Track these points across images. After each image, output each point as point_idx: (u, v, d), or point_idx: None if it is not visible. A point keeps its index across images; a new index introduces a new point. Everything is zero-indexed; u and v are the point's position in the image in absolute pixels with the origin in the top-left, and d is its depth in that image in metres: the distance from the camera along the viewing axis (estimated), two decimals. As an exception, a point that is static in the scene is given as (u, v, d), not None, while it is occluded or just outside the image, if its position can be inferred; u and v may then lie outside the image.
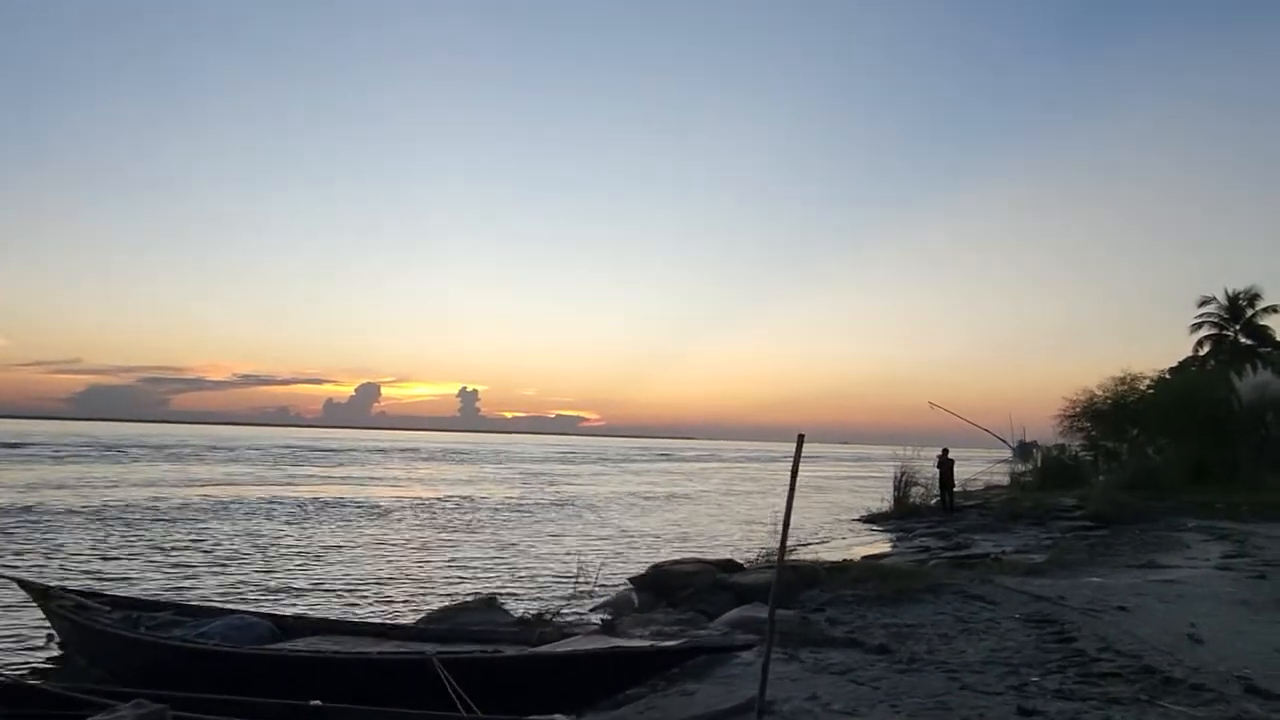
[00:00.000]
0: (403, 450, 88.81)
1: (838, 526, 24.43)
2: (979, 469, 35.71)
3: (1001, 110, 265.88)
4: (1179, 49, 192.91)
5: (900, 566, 12.71)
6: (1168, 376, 36.06)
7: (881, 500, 26.51)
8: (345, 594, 12.28)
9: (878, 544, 20.02)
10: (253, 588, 12.71)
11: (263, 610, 8.88)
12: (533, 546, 18.97)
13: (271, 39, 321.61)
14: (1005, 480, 33.62)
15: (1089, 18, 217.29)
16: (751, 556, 13.31)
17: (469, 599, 9.70)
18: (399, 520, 23.91)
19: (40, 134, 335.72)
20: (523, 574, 14.93)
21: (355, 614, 10.42)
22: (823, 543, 20.37)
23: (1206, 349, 46.79)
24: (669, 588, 11.11)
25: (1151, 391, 32.01)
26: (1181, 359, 45.65)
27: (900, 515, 24.39)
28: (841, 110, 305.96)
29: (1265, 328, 45.48)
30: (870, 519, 25.63)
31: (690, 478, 53.64)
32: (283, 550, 17.16)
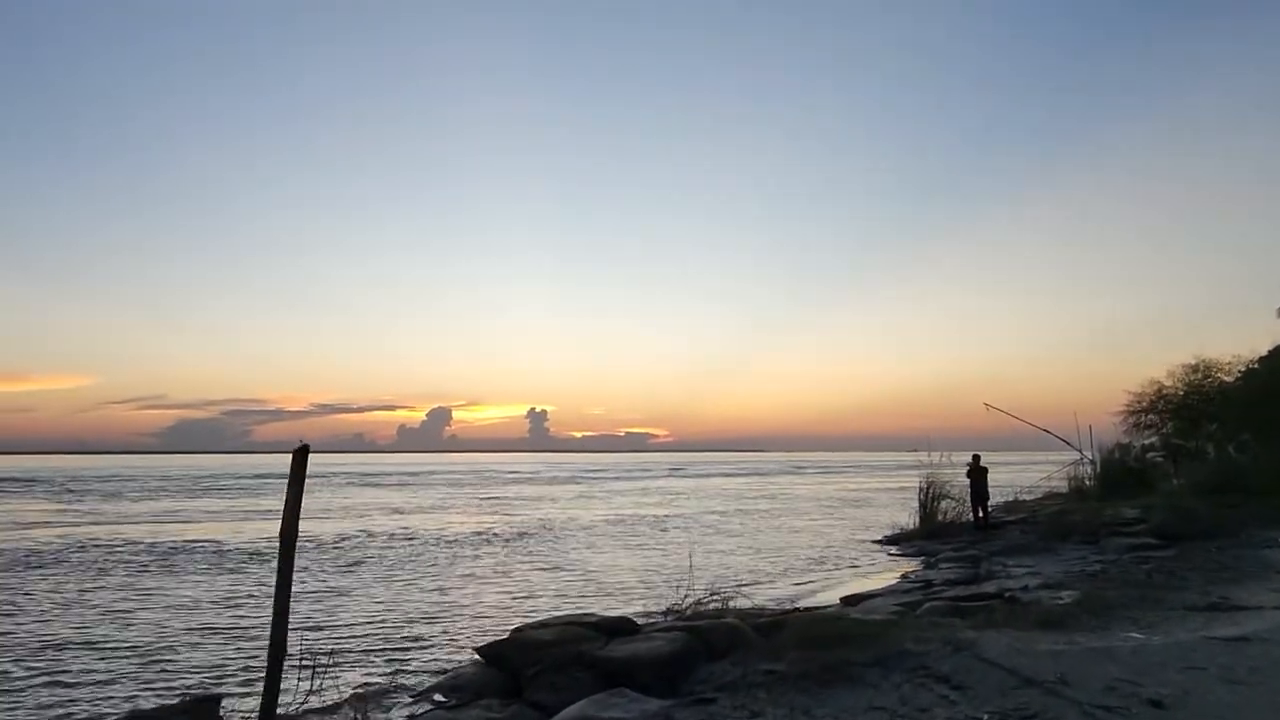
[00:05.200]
0: (418, 473, 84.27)
1: (846, 551, 20.87)
2: (1041, 475, 31.62)
3: (1060, 107, 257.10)
4: (1246, 33, 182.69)
5: (865, 619, 9.39)
6: (1255, 366, 31.26)
7: (910, 517, 22.88)
8: (49, 686, 9.18)
9: (880, 575, 16.49)
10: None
11: None
12: (411, 594, 15.10)
13: (337, 71, 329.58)
14: (1066, 487, 29.35)
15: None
16: (676, 605, 10.02)
17: (183, 698, 6.77)
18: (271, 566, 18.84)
19: (126, 184, 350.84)
20: (353, 640, 11.25)
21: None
22: (804, 577, 16.86)
23: (1300, 332, 41.45)
24: (516, 662, 8.01)
25: (1234, 380, 27.54)
26: (1276, 345, 40.41)
27: (926, 535, 20.80)
28: (893, 122, 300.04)
29: (1368, 304, 39.99)
30: (893, 539, 22.06)
31: (709, 495, 48.58)
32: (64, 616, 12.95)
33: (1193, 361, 28.13)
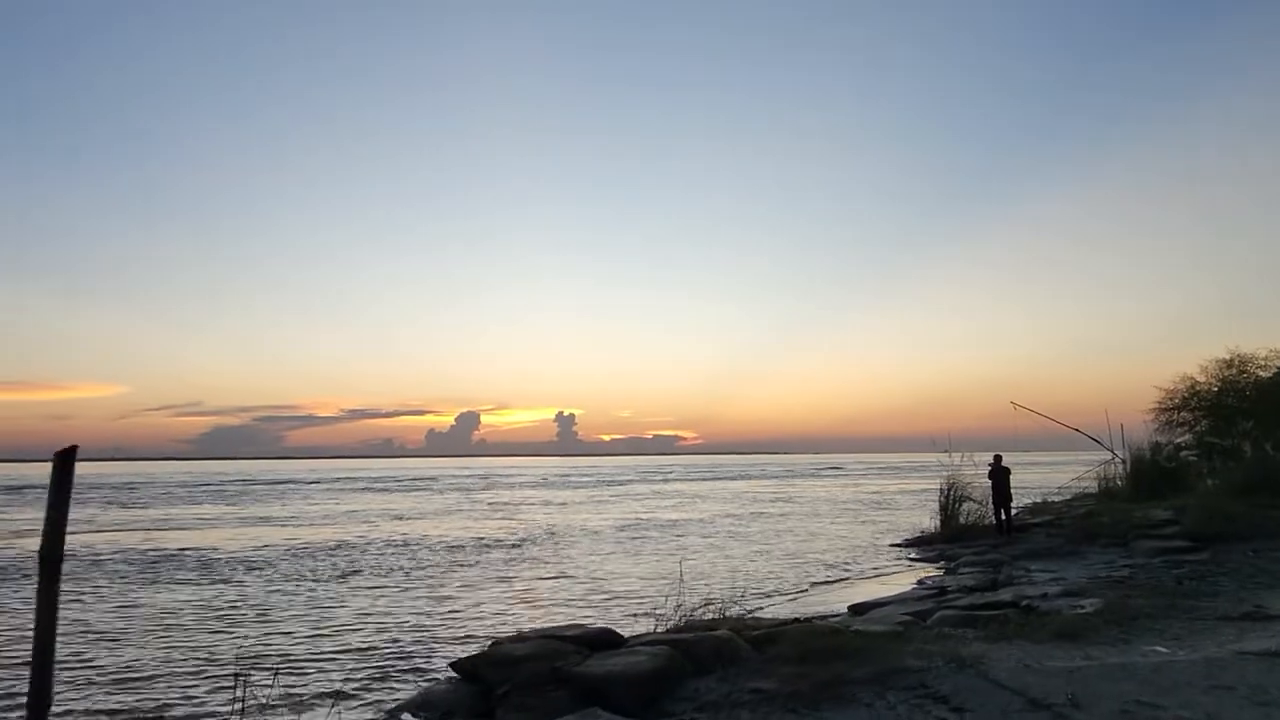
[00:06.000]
0: (435, 477, 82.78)
1: (864, 555, 20.18)
2: (1070, 475, 30.71)
3: (1086, 107, 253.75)
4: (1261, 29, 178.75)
5: (867, 631, 8.83)
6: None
7: (931, 519, 22.18)
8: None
9: (895, 580, 15.84)
10: None
11: None
12: (401, 604, 14.36)
13: (362, 78, 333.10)
14: (1095, 488, 28.37)
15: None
16: (666, 616, 9.48)
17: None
18: (233, 575, 17.80)
19: (158, 195, 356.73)
20: (330, 653, 10.67)
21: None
22: (817, 582, 16.23)
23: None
24: (491, 679, 7.54)
25: (1270, 376, 26.40)
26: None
27: (948, 538, 20.11)
28: (916, 123, 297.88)
29: None
30: (914, 542, 21.37)
31: (728, 498, 47.15)
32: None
33: (1227, 356, 27.03)
